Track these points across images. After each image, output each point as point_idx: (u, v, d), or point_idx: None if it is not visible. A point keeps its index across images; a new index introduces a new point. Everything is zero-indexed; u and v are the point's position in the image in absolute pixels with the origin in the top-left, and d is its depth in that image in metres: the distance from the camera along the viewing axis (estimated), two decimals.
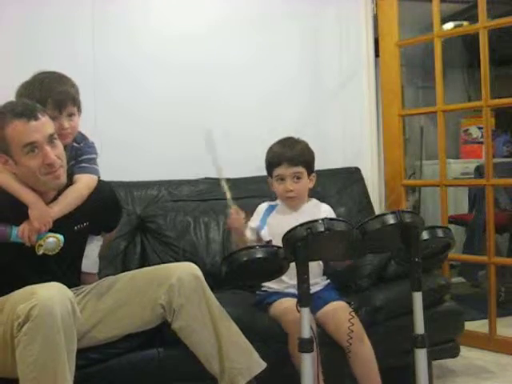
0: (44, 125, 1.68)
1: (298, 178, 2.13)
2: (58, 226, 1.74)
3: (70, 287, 1.70)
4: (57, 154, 1.70)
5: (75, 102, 1.90)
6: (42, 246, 1.70)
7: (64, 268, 1.82)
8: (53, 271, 1.76)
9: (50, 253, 1.72)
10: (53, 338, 1.48)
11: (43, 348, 1.47)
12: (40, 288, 1.55)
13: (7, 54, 2.62)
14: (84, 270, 1.97)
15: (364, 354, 1.93)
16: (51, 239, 1.71)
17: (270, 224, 2.13)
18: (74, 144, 1.93)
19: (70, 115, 1.87)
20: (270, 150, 2.20)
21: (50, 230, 1.73)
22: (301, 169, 2.13)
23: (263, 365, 1.81)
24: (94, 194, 1.86)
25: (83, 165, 1.90)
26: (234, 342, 1.80)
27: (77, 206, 1.80)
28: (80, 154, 1.92)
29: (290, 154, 2.12)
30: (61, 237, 1.73)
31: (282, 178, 2.13)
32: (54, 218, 1.73)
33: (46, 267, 1.75)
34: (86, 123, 2.67)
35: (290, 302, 1.91)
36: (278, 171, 2.13)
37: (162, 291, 1.76)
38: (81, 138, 1.96)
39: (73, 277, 1.90)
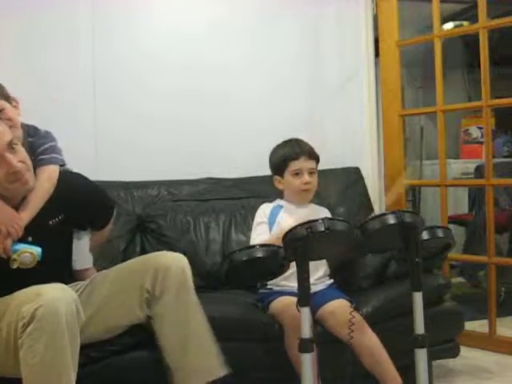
0: (1, 134, 1.62)
1: (311, 173, 2.17)
2: (32, 225, 1.71)
3: None
4: (20, 159, 1.66)
5: None
6: (16, 260, 1.64)
7: (50, 270, 1.73)
8: (37, 277, 1.66)
9: (26, 267, 1.65)
10: (58, 340, 1.47)
11: (48, 349, 1.46)
12: (45, 288, 1.54)
13: (7, 53, 2.61)
14: (77, 268, 1.95)
15: (368, 343, 1.92)
16: (26, 254, 1.65)
17: (281, 224, 2.11)
18: (29, 139, 1.89)
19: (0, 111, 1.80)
20: (279, 148, 2.22)
21: (29, 240, 1.68)
22: (315, 164, 2.19)
23: (224, 371, 1.76)
24: (61, 184, 1.82)
25: (40, 157, 1.86)
26: (200, 341, 1.77)
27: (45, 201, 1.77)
28: (36, 147, 1.88)
29: (306, 148, 2.18)
30: (37, 251, 1.67)
31: (297, 173, 2.15)
32: (24, 223, 1.69)
33: (28, 274, 1.67)
34: (86, 123, 2.72)
35: (290, 300, 1.93)
36: (296, 165, 2.15)
37: (148, 276, 1.75)
38: (33, 132, 1.93)
39: (62, 276, 1.83)
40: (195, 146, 2.86)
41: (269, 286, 2.11)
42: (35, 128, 1.94)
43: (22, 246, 1.66)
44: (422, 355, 1.64)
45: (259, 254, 1.64)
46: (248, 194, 2.66)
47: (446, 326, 2.26)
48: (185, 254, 2.42)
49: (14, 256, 1.65)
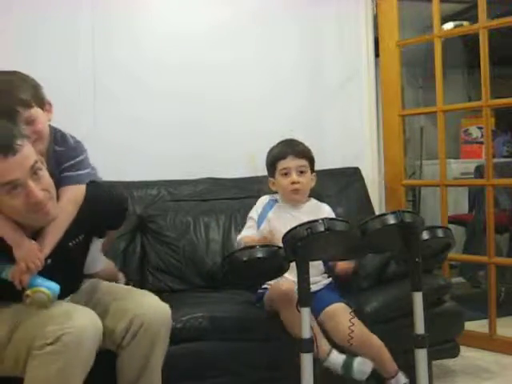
0: (24, 158, 1.45)
1: (302, 172, 2.17)
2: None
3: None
4: (43, 187, 1.50)
5: (27, 104, 1.60)
6: (29, 296, 1.51)
7: (65, 283, 1.61)
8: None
9: (37, 306, 1.52)
10: (70, 371, 1.45)
11: (58, 374, 1.43)
12: (75, 313, 1.49)
13: (7, 56, 2.61)
14: (86, 272, 1.87)
15: (373, 349, 1.93)
16: (40, 294, 1.51)
17: (271, 219, 2.12)
18: (56, 147, 1.69)
19: (30, 122, 1.59)
20: (272, 149, 2.23)
21: (48, 262, 1.57)
22: (305, 162, 2.18)
23: None
24: (86, 204, 1.66)
25: (65, 174, 1.67)
26: None
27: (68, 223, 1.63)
28: (63, 160, 1.68)
29: (295, 148, 2.18)
30: (53, 292, 1.53)
31: (286, 173, 2.16)
32: (45, 255, 1.56)
33: None
34: (86, 124, 2.71)
35: (280, 280, 1.91)
36: (284, 164, 2.15)
37: (122, 322, 1.63)
38: (62, 140, 1.71)
39: (74, 286, 1.80)
40: (195, 147, 2.86)
41: (264, 286, 2.10)
42: (63, 135, 1.73)
43: (38, 282, 1.53)
44: (422, 355, 1.64)
45: (259, 255, 1.64)
46: (248, 193, 2.66)
47: (446, 326, 2.26)
48: (185, 254, 2.47)
49: (28, 292, 1.52)
